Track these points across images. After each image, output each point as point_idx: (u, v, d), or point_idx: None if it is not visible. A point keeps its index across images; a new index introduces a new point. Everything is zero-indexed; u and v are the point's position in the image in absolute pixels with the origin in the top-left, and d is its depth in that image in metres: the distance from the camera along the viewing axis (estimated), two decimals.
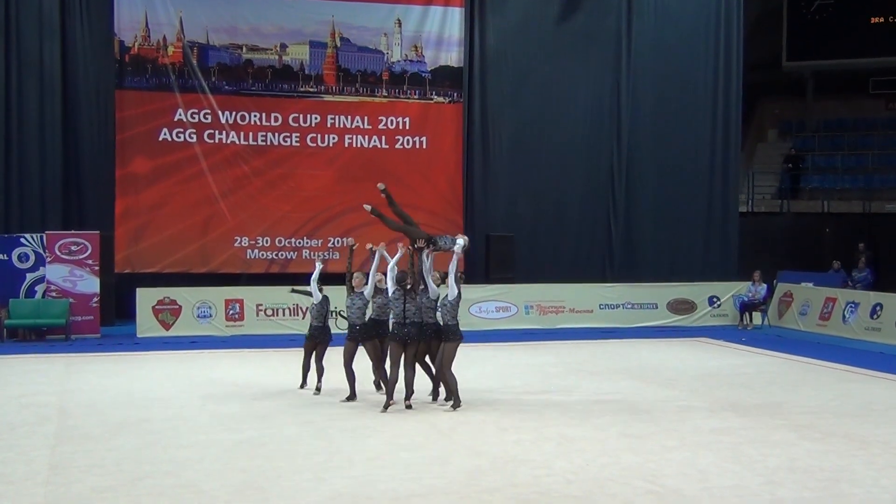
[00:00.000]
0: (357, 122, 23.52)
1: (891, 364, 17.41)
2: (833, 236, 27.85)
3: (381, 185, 13.55)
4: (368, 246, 13.69)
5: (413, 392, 12.81)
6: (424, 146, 23.97)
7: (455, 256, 12.90)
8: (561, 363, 17.30)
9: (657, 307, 23.24)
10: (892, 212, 28.09)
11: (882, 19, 31.08)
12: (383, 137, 23.68)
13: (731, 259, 25.99)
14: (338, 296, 14.89)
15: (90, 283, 20.26)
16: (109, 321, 20.99)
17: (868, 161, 30.73)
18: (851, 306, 21.77)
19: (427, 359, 13.21)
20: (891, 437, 11.58)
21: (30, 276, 20.20)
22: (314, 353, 13.96)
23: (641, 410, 12.98)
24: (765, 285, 23.50)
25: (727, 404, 13.49)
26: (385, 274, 13.19)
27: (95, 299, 20.28)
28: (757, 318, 23.37)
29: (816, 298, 22.83)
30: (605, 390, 14.45)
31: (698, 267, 25.32)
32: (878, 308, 21.09)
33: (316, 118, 23.27)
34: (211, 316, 20.68)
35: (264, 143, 22.95)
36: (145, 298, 20.49)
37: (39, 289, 20.17)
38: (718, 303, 23.65)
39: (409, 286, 12.70)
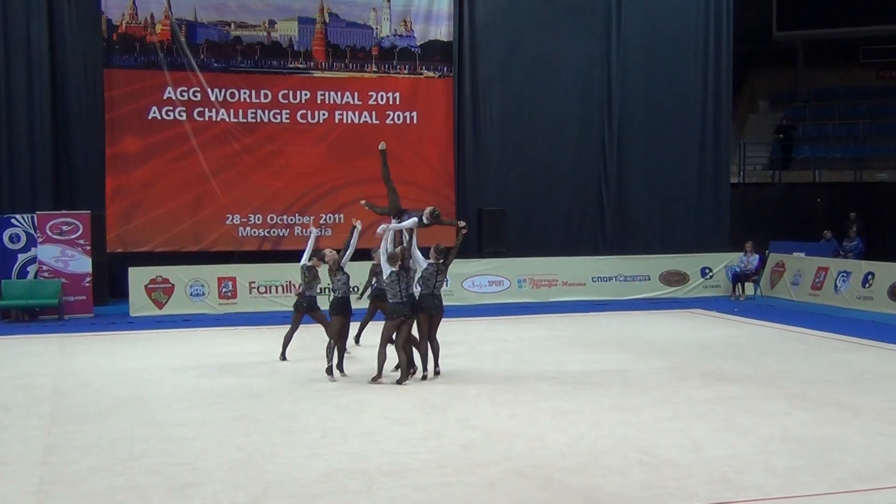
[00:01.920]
0: (347, 97, 23.43)
1: (882, 332, 17.50)
2: (824, 206, 27.88)
3: (382, 145, 14.90)
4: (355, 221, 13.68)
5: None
6: (415, 121, 23.90)
7: (410, 232, 13.14)
8: (554, 336, 17.34)
9: (650, 279, 23.28)
10: (882, 181, 28.12)
11: None
12: (373, 113, 23.60)
13: (723, 230, 26.02)
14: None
15: (82, 263, 20.23)
16: (102, 301, 20.96)
17: (859, 130, 30.72)
18: (843, 275, 21.84)
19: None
20: (882, 406, 11.65)
21: (21, 257, 20.14)
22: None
23: (635, 382, 13.03)
24: (757, 256, 23.54)
25: (720, 375, 13.55)
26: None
27: (88, 279, 20.26)
28: (749, 288, 23.42)
29: (808, 268, 22.90)
30: (598, 363, 14.49)
31: (690, 238, 25.35)
32: (869, 277, 21.16)
33: (306, 94, 23.19)
34: (204, 294, 20.68)
35: (254, 121, 22.86)
36: (138, 277, 20.47)
37: (31, 269, 20.13)
38: (711, 274, 23.70)
39: (404, 265, 12.81)
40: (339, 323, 13.17)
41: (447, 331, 17.06)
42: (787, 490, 8.43)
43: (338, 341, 13.15)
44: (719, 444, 9.91)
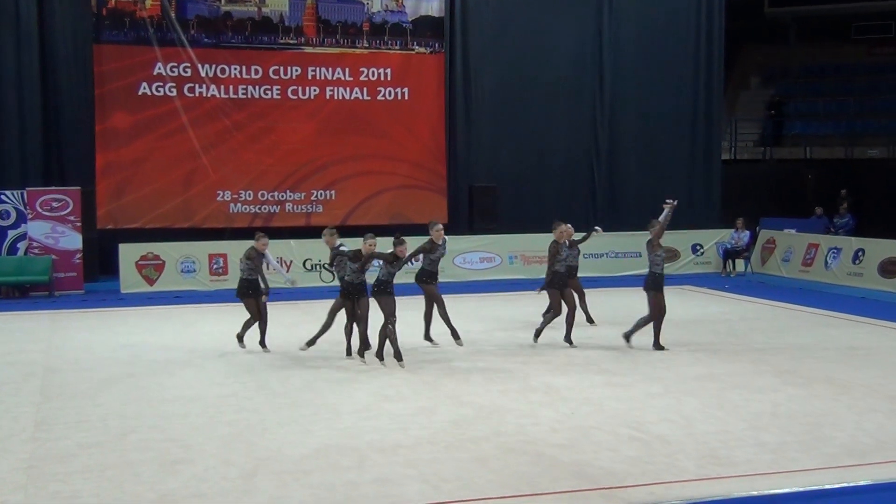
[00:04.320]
0: (338, 73, 23.33)
1: (872, 309, 17.55)
2: (815, 182, 27.91)
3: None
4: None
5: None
6: (406, 97, 23.82)
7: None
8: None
9: (640, 255, 23.09)
10: (873, 157, 28.16)
11: None
12: (365, 89, 23.51)
13: (714, 206, 26.06)
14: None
15: (72, 240, 20.15)
16: (93, 277, 20.90)
17: (850, 107, 30.74)
18: (834, 252, 21.86)
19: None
20: (872, 381, 11.68)
21: (11, 234, 20.06)
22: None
23: (625, 359, 13.05)
24: (747, 232, 23.56)
25: (711, 351, 13.58)
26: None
27: (78, 255, 20.18)
28: (740, 265, 23.47)
29: (799, 245, 22.93)
30: (589, 339, 14.50)
31: (681, 215, 25.15)
32: (859, 253, 21.19)
33: (297, 70, 23.07)
34: (195, 271, 20.63)
35: (245, 97, 22.77)
36: (128, 254, 20.40)
37: (22, 246, 20.06)
38: (702, 250, 23.72)
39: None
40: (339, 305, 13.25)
41: None
42: (777, 465, 8.45)
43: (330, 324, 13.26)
44: (710, 419, 9.93)
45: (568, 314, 13.96)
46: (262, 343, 13.69)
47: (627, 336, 13.76)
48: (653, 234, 13.60)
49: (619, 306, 18.04)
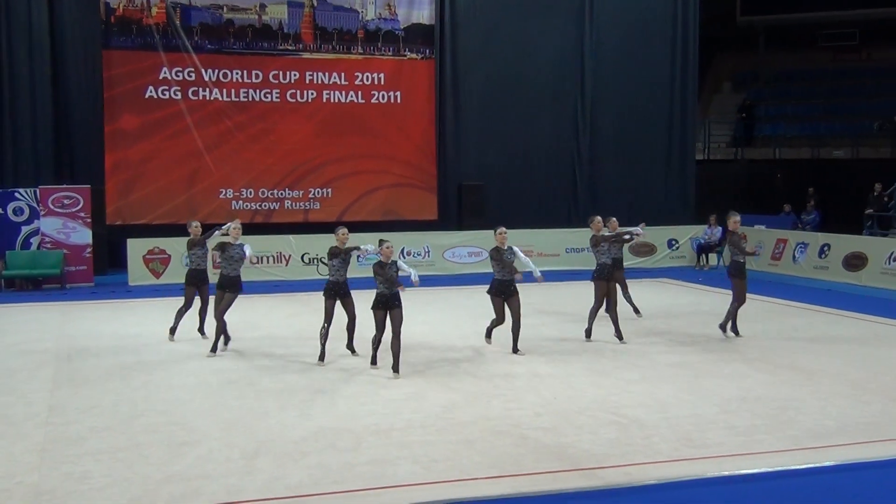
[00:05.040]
0: (334, 78, 23.31)
1: (837, 300, 17.63)
2: (783, 181, 27.98)
3: None
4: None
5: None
6: (399, 100, 23.82)
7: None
8: (529, 304, 17.19)
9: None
10: (838, 158, 28.22)
11: None
12: (359, 93, 23.50)
13: (689, 204, 26.11)
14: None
15: (83, 235, 20.12)
16: (102, 270, 20.86)
17: (816, 110, 30.79)
18: (801, 247, 21.96)
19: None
20: (835, 369, 11.74)
21: (25, 229, 20.03)
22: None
23: (605, 348, 13.09)
24: (720, 228, 23.54)
25: (685, 340, 13.63)
26: None
27: (88, 250, 20.15)
28: (713, 258, 23.52)
29: (768, 240, 23.01)
30: (571, 329, 14.53)
31: (658, 212, 25.34)
32: (825, 248, 21.28)
33: (295, 75, 23.05)
34: None
35: (246, 100, 22.73)
36: (136, 248, 20.38)
37: (34, 241, 20.02)
38: (677, 245, 23.78)
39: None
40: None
41: (429, 299, 17.18)
42: (747, 447, 8.51)
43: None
44: (683, 404, 9.99)
45: (610, 308, 13.60)
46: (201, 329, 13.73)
47: (724, 327, 13.76)
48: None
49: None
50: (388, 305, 11.36)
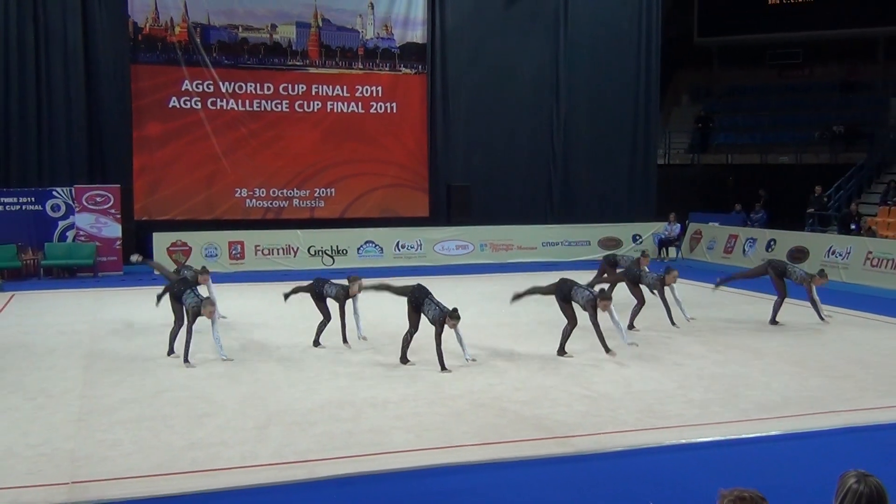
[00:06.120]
0: (337, 90, 23.25)
1: None
2: (735, 184, 28.03)
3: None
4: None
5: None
6: (395, 111, 23.78)
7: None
8: (510, 292, 17.24)
9: (590, 244, 23.38)
10: (784, 163, 28.29)
11: (778, 1, 31.02)
12: (360, 104, 23.45)
13: (651, 203, 26.14)
14: None
15: (113, 229, 20.06)
16: (130, 261, 20.77)
17: (764, 121, 30.82)
18: (750, 241, 22.03)
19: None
20: (780, 349, 11.81)
21: (61, 224, 19.95)
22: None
23: (577, 331, 13.07)
24: (678, 224, 23.70)
25: (648, 323, 13.66)
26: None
27: (118, 242, 20.10)
28: (672, 252, 23.61)
29: (721, 235, 23.08)
30: (547, 315, 14.48)
31: (624, 209, 25.46)
32: (772, 242, 21.36)
33: (302, 87, 22.99)
34: (217, 255, 20.58)
35: (259, 109, 22.66)
36: (161, 241, 20.34)
37: (70, 234, 19.94)
38: (640, 239, 23.82)
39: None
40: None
41: None
42: (702, 419, 8.56)
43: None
44: (646, 380, 10.03)
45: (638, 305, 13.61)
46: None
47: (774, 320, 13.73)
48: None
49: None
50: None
